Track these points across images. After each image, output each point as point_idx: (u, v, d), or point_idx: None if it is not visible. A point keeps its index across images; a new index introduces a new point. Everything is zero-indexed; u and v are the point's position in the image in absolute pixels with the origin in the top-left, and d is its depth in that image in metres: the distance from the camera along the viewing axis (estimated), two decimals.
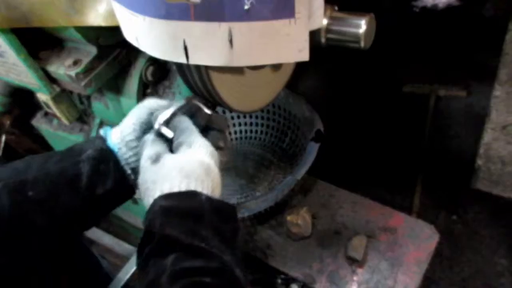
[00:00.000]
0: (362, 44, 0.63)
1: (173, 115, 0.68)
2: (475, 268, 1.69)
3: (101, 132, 0.73)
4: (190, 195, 0.59)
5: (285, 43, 0.59)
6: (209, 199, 0.59)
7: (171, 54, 0.61)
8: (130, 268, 0.98)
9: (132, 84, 1.03)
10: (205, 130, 0.69)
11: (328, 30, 0.64)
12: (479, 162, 1.66)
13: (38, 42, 0.97)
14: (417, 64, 2.21)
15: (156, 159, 0.62)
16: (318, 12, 0.61)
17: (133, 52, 1.00)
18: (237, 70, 0.68)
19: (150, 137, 0.67)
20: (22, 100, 1.45)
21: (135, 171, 0.71)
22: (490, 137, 1.57)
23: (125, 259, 1.09)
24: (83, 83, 0.92)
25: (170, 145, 0.66)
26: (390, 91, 2.20)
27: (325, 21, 0.63)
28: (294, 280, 0.90)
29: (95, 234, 1.57)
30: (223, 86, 0.67)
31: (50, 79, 0.98)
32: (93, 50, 0.94)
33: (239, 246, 0.62)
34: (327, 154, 1.05)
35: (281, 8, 0.55)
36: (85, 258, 0.89)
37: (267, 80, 0.76)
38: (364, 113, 2.07)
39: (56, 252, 0.71)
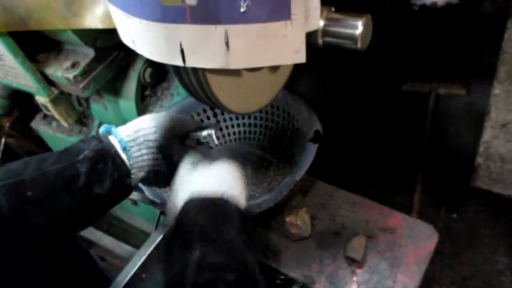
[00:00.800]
0: (359, 45, 0.63)
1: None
2: (475, 267, 1.69)
3: (102, 129, 0.73)
4: (223, 202, 0.65)
5: (281, 45, 0.59)
6: (237, 208, 0.66)
7: (168, 57, 0.61)
8: (129, 270, 0.98)
9: (131, 86, 1.03)
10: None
11: (324, 31, 0.64)
12: (479, 160, 1.66)
13: (36, 45, 0.97)
14: (417, 63, 2.20)
15: (196, 166, 0.71)
16: (315, 14, 0.60)
17: (131, 54, 1.00)
18: (234, 72, 0.68)
19: (190, 151, 0.75)
20: (22, 103, 1.46)
21: (143, 169, 0.73)
22: (489, 135, 1.57)
23: (125, 260, 1.09)
24: (81, 85, 0.92)
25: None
26: (390, 90, 2.19)
27: (321, 23, 0.63)
28: (293, 281, 0.90)
29: (96, 235, 1.57)
30: (220, 88, 0.67)
31: (48, 82, 0.98)
32: (90, 53, 0.94)
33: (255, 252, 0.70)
34: (326, 153, 1.05)
35: (277, 10, 0.55)
36: (83, 260, 0.89)
37: (265, 82, 0.75)
38: (363, 112, 2.06)
39: (54, 253, 0.71)
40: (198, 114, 1.13)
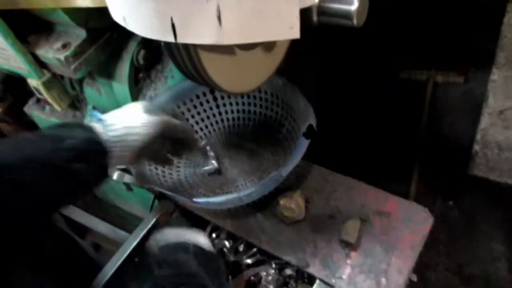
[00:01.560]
0: (355, 21, 0.62)
1: None
2: (471, 254, 1.70)
3: (92, 116, 0.73)
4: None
5: (275, 20, 0.58)
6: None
7: (159, 33, 0.59)
8: (120, 257, 0.98)
9: (124, 68, 1.02)
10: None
11: (319, 7, 0.62)
12: (476, 147, 1.66)
13: (26, 26, 0.95)
14: (414, 50, 2.19)
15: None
16: None
17: (124, 36, 0.99)
18: (228, 50, 0.67)
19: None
20: (15, 88, 1.44)
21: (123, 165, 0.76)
22: (487, 122, 1.57)
23: (121, 246, 1.08)
24: (72, 67, 0.91)
25: None
26: (387, 78, 2.18)
27: None
28: (287, 264, 0.89)
29: (91, 222, 1.56)
30: (212, 66, 0.66)
31: (40, 64, 0.97)
32: (82, 34, 0.92)
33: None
34: (323, 142, 1.05)
35: None
36: (72, 248, 0.89)
37: (259, 61, 0.74)
38: (360, 100, 2.05)
39: (39, 243, 0.71)
40: (198, 97, 1.11)
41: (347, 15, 0.61)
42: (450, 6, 1.98)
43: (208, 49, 0.63)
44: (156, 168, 1.03)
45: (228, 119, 1.16)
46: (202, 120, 1.14)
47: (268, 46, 0.74)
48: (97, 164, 0.68)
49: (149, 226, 1.03)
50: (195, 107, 1.12)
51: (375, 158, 1.93)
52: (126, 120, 0.73)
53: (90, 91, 1.12)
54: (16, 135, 0.69)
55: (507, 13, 1.25)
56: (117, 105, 1.11)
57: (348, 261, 0.86)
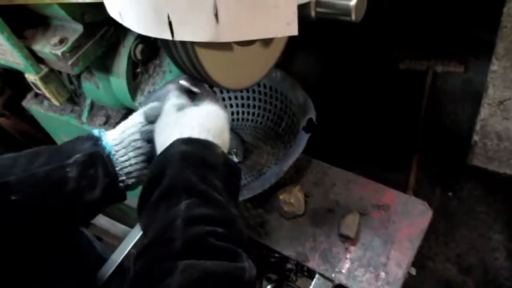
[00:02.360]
0: (353, 17, 0.61)
1: (195, 80, 0.70)
2: (470, 244, 1.71)
3: (95, 132, 0.69)
4: (209, 146, 0.60)
5: (273, 16, 0.57)
6: (223, 153, 0.61)
7: (156, 30, 0.59)
8: (124, 249, 0.98)
9: (121, 63, 1.01)
10: None
11: (317, 2, 0.62)
12: (475, 138, 1.66)
13: (23, 21, 0.94)
14: (414, 40, 2.18)
15: (181, 108, 0.64)
16: None
17: (122, 30, 0.98)
18: (225, 46, 0.66)
19: (174, 92, 0.68)
20: (13, 82, 1.43)
21: (131, 175, 0.68)
22: (486, 112, 1.56)
23: (121, 240, 1.09)
24: (69, 62, 0.90)
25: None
26: (386, 68, 2.17)
27: None
28: (287, 258, 0.90)
29: None
30: (210, 63, 0.65)
31: (37, 59, 0.96)
32: (79, 28, 0.92)
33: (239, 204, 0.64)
34: (322, 133, 1.04)
35: None
36: (77, 240, 0.89)
37: (257, 57, 0.74)
38: (360, 91, 2.05)
39: (45, 240, 0.70)
40: None
41: (345, 10, 0.61)
42: None
43: (205, 46, 0.63)
44: None
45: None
46: None
47: (266, 42, 0.73)
48: (103, 180, 0.65)
49: None
50: None
51: (374, 149, 1.93)
52: (123, 126, 0.70)
53: (88, 86, 1.12)
54: (33, 148, 0.66)
55: (507, 3, 1.23)
56: (116, 99, 1.11)
57: (348, 255, 0.87)
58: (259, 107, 1.11)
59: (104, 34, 0.95)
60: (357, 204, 0.93)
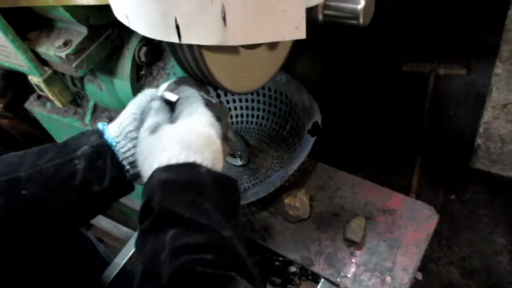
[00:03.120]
0: (361, 20, 0.61)
1: (179, 83, 0.66)
2: (473, 247, 1.70)
3: (99, 125, 0.69)
4: (190, 167, 0.57)
5: (281, 20, 0.57)
6: (209, 171, 0.57)
7: (163, 33, 0.58)
8: (127, 252, 0.98)
9: (125, 65, 1.01)
10: None
11: (325, 6, 0.61)
12: (479, 141, 1.65)
13: (27, 23, 0.94)
14: (417, 43, 2.18)
15: (154, 130, 0.60)
16: None
17: (126, 32, 0.98)
18: (232, 50, 0.66)
19: (154, 105, 0.65)
20: (15, 83, 1.43)
21: (134, 164, 0.68)
22: (490, 115, 1.56)
23: (124, 242, 1.08)
24: (74, 65, 0.90)
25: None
26: (389, 71, 2.17)
27: None
28: (292, 262, 0.89)
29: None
30: (217, 66, 0.65)
31: (41, 61, 0.95)
32: (83, 31, 0.91)
33: (240, 220, 0.61)
34: (326, 135, 1.04)
35: None
36: (81, 243, 0.88)
37: (263, 60, 0.73)
38: (363, 93, 2.05)
39: (51, 242, 0.70)
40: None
41: (353, 14, 0.60)
42: None
43: (212, 49, 0.62)
44: None
45: (232, 116, 1.15)
46: None
47: (272, 45, 0.73)
48: (110, 172, 0.65)
49: None
50: None
51: (376, 152, 1.92)
52: (120, 115, 0.69)
53: (91, 88, 1.11)
54: (40, 146, 0.67)
55: (511, 6, 1.23)
56: (119, 101, 1.10)
57: (353, 260, 0.86)
58: (264, 110, 1.11)
59: (108, 36, 0.94)
60: (362, 208, 0.93)
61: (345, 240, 0.89)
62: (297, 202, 0.90)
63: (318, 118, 0.90)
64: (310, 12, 0.61)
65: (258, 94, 1.09)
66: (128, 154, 0.67)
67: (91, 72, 1.06)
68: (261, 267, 0.97)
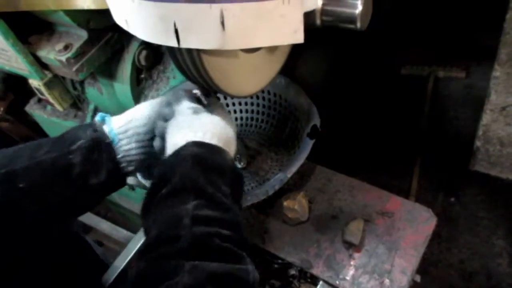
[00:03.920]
0: (359, 25, 0.61)
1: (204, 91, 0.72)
2: (473, 250, 1.70)
3: (97, 118, 0.70)
4: (219, 151, 0.62)
5: (279, 25, 0.57)
6: (232, 160, 0.63)
7: (162, 38, 0.59)
8: (127, 255, 0.98)
9: (125, 69, 1.01)
10: None
11: (323, 10, 0.62)
12: (478, 143, 1.66)
13: (28, 27, 0.95)
14: (416, 46, 2.18)
15: (196, 111, 0.66)
16: None
17: (126, 36, 0.98)
18: (230, 53, 0.66)
19: (187, 96, 0.70)
20: (16, 86, 1.44)
21: (132, 163, 0.69)
22: (489, 118, 1.56)
23: (123, 245, 1.09)
24: (74, 68, 0.90)
25: None
26: (388, 74, 2.18)
27: (320, 1, 0.61)
28: (291, 265, 0.90)
29: (93, 220, 1.56)
30: (216, 70, 0.65)
31: (41, 65, 0.96)
32: (84, 34, 0.92)
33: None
34: (325, 138, 1.04)
35: None
36: (78, 246, 0.88)
37: (262, 64, 0.74)
38: (362, 96, 2.05)
39: (48, 241, 0.70)
40: None
41: (351, 18, 0.61)
42: (452, 1, 1.97)
43: (211, 53, 0.63)
44: None
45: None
46: None
47: (271, 49, 0.74)
48: (107, 166, 0.66)
49: None
50: None
51: (376, 155, 1.93)
52: (130, 115, 0.70)
53: (92, 91, 1.12)
54: (31, 142, 0.67)
55: (509, 10, 1.24)
56: (119, 105, 1.11)
57: (352, 262, 0.87)
58: (263, 113, 1.11)
59: (108, 40, 0.95)
60: (361, 210, 0.93)
61: (344, 243, 0.89)
62: (296, 205, 0.91)
63: (317, 121, 0.90)
64: (308, 16, 0.61)
65: (257, 97, 1.09)
66: (129, 152, 0.68)
67: (92, 75, 1.07)
68: (260, 270, 0.97)
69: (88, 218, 1.54)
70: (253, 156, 1.09)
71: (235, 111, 1.14)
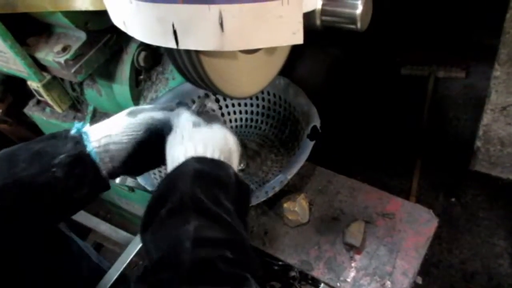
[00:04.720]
0: (359, 25, 0.61)
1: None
2: (473, 250, 1.70)
3: (73, 131, 0.66)
4: (221, 165, 0.61)
5: (278, 26, 0.57)
6: (235, 174, 0.61)
7: (160, 39, 0.58)
8: (126, 257, 0.97)
9: (124, 70, 1.01)
10: None
11: (323, 11, 0.61)
12: (478, 143, 1.65)
13: (26, 28, 0.94)
14: (416, 46, 2.18)
15: (196, 124, 0.64)
16: None
17: (124, 38, 0.98)
18: (229, 55, 0.66)
19: (185, 109, 0.68)
20: (15, 88, 1.43)
21: (114, 163, 0.66)
22: (489, 118, 1.56)
23: (123, 246, 1.08)
24: (73, 70, 0.90)
25: None
26: (388, 74, 2.17)
27: (319, 2, 0.60)
28: (291, 267, 0.89)
29: (93, 222, 1.56)
30: (214, 71, 0.65)
31: (40, 66, 0.96)
32: (82, 36, 0.91)
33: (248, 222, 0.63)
34: (325, 138, 1.04)
35: None
36: (65, 248, 0.87)
37: (261, 65, 0.73)
38: (362, 96, 2.05)
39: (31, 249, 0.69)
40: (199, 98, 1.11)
41: (351, 19, 0.60)
42: (452, 1, 1.96)
43: (210, 54, 0.62)
44: (160, 171, 1.02)
45: (230, 120, 1.15)
46: None
47: (270, 50, 0.73)
48: (90, 178, 0.64)
49: None
50: None
51: (376, 155, 1.92)
52: (107, 129, 0.67)
53: (90, 93, 1.11)
54: (8, 149, 0.65)
55: (509, 9, 1.23)
56: (118, 106, 1.10)
57: (353, 264, 0.86)
58: (263, 114, 1.11)
59: (107, 41, 0.95)
60: (362, 212, 0.93)
61: (344, 245, 0.89)
62: (296, 207, 0.90)
63: (317, 122, 0.90)
64: (308, 17, 0.61)
65: (256, 98, 1.09)
66: (110, 165, 0.65)
67: (90, 77, 1.06)
68: (260, 272, 0.96)
69: (88, 220, 1.54)
70: (252, 157, 1.09)
71: (234, 112, 1.14)
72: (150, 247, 0.55)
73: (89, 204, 0.69)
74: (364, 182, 1.00)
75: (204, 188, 0.56)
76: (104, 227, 1.53)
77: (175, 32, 0.56)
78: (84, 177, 0.63)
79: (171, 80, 1.09)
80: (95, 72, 1.02)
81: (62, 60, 0.89)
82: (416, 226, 0.88)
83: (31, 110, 1.31)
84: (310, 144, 0.86)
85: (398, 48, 2.17)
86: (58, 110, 1.13)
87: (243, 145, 1.10)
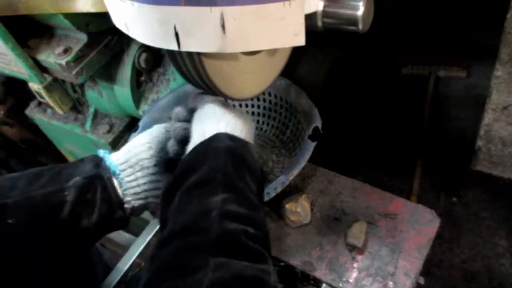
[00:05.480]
0: (360, 27, 0.61)
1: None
2: (475, 250, 1.70)
3: (99, 152, 0.66)
4: (250, 148, 0.62)
5: (280, 27, 0.57)
6: (258, 159, 0.62)
7: (162, 41, 0.58)
8: (129, 258, 0.97)
9: (125, 71, 1.01)
10: None
11: (324, 13, 0.61)
12: (480, 143, 1.65)
13: (27, 31, 0.94)
14: (416, 45, 2.18)
15: (223, 104, 0.66)
16: None
17: (125, 39, 0.98)
18: (231, 56, 0.66)
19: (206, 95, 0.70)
20: (16, 90, 1.43)
21: (138, 196, 0.65)
22: (490, 117, 1.55)
23: (125, 248, 1.08)
24: (74, 72, 0.90)
25: None
26: (389, 74, 2.17)
27: (321, 4, 0.60)
28: (293, 267, 0.89)
29: None
30: (216, 73, 0.65)
31: (41, 68, 0.96)
32: (83, 38, 0.92)
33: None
34: (326, 138, 1.04)
35: None
36: (87, 251, 0.87)
37: (262, 66, 0.73)
38: (363, 96, 2.04)
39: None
40: None
41: (353, 20, 0.60)
42: (453, 1, 1.96)
43: (211, 56, 0.62)
44: None
45: None
46: None
47: (272, 51, 0.73)
48: (103, 204, 0.62)
49: (156, 229, 1.03)
50: None
51: (377, 155, 1.92)
52: (126, 145, 0.68)
53: (92, 94, 1.12)
54: (34, 169, 0.64)
55: (510, 9, 1.23)
56: (119, 108, 1.10)
57: (355, 265, 0.86)
58: (264, 115, 1.11)
59: (108, 43, 0.95)
60: (363, 212, 0.93)
61: (346, 245, 0.89)
62: (298, 207, 0.90)
63: (318, 123, 0.90)
64: (309, 18, 0.61)
65: (258, 99, 1.09)
66: (134, 183, 0.65)
67: (91, 78, 1.06)
68: None
69: None
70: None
71: None
72: (173, 213, 0.55)
73: (99, 239, 0.68)
74: (365, 182, 1.00)
75: (234, 165, 0.57)
76: None
77: (176, 34, 0.56)
78: (94, 203, 0.62)
79: (172, 81, 1.09)
80: (96, 74, 1.02)
81: (63, 62, 0.89)
82: (418, 227, 0.88)
83: (32, 112, 1.31)
84: (312, 145, 0.86)
85: (399, 48, 2.17)
86: (59, 111, 1.13)
87: None
